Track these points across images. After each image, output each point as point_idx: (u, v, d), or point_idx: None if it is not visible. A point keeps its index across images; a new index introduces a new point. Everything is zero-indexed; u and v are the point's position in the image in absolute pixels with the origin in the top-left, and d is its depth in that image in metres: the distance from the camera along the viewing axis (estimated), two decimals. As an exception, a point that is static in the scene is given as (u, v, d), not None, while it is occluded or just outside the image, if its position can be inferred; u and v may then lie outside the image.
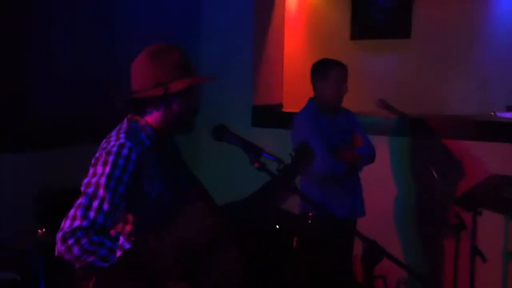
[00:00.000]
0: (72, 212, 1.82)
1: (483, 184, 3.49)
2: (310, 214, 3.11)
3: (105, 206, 1.82)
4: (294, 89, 5.25)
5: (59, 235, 1.78)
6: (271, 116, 4.77)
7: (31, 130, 3.52)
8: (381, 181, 4.12)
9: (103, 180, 1.84)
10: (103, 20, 4.05)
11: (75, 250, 1.76)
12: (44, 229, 2.84)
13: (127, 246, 1.95)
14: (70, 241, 1.77)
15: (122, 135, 1.93)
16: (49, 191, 3.25)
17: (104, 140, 1.97)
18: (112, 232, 1.94)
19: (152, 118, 2.02)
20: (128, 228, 1.97)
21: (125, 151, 1.88)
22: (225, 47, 4.85)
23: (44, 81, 3.64)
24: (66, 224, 1.80)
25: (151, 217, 1.95)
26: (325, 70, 3.45)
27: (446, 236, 3.99)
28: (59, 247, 1.78)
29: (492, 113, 4.56)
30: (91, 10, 3.99)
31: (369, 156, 3.49)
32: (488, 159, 3.84)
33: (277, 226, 3.81)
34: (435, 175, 3.50)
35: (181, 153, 2.21)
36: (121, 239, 1.97)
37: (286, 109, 5.05)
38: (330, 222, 3.02)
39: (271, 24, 4.98)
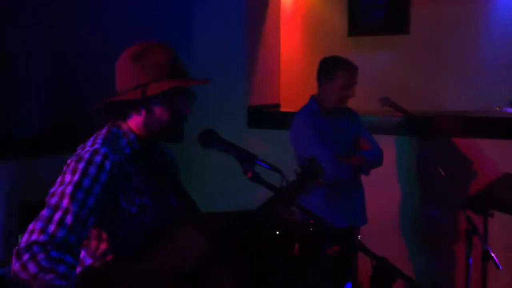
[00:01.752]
0: (31, 225, 1.62)
1: (494, 185, 3.33)
2: (312, 221, 2.92)
3: (68, 219, 1.61)
4: (291, 88, 5.14)
5: (14, 250, 1.59)
6: (268, 116, 4.64)
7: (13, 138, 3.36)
8: (385, 184, 3.98)
9: (69, 189, 1.64)
10: (93, 20, 3.93)
11: (31, 266, 1.55)
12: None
13: (89, 261, 1.75)
14: (25, 257, 1.56)
15: (99, 141, 1.75)
16: (30, 201, 3.06)
17: (80, 145, 1.78)
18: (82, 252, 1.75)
19: (134, 123, 1.84)
20: (103, 246, 1.75)
21: (98, 158, 1.69)
22: (219, 46, 4.73)
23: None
24: (23, 239, 1.60)
25: (130, 236, 1.74)
26: (331, 71, 3.24)
27: (456, 242, 3.83)
28: (13, 264, 1.58)
29: (498, 108, 4.41)
30: (80, 11, 3.85)
31: (377, 160, 3.33)
32: (499, 157, 3.69)
33: (278, 232, 3.67)
34: (443, 175, 3.32)
35: (173, 164, 2.02)
36: (82, 253, 1.76)
37: (284, 108, 4.92)
38: (331, 234, 2.82)
39: (266, 21, 4.89)
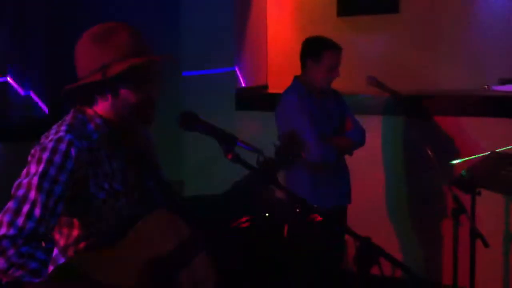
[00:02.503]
0: None
1: (481, 163, 3.32)
2: (298, 210, 2.91)
3: (37, 211, 1.57)
4: (279, 69, 5.09)
5: None
6: (255, 98, 4.60)
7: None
8: (371, 165, 3.98)
9: (35, 180, 1.59)
10: (77, 13, 3.86)
11: (0, 262, 1.51)
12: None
13: (61, 260, 1.70)
14: None
15: (63, 128, 1.68)
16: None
17: (43, 135, 1.71)
18: (56, 236, 1.72)
19: (101, 107, 1.76)
20: (75, 233, 1.71)
21: (62, 146, 1.63)
22: (206, 29, 4.68)
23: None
24: None
25: (102, 222, 1.71)
26: (318, 52, 3.21)
27: (443, 221, 3.83)
28: None
29: (486, 86, 4.39)
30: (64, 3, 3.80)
31: (360, 141, 3.33)
32: (487, 135, 3.68)
33: (267, 214, 3.66)
34: (431, 154, 3.30)
35: (150, 145, 1.95)
36: (55, 251, 1.72)
37: (272, 90, 4.88)
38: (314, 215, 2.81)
39: (253, 3, 4.83)
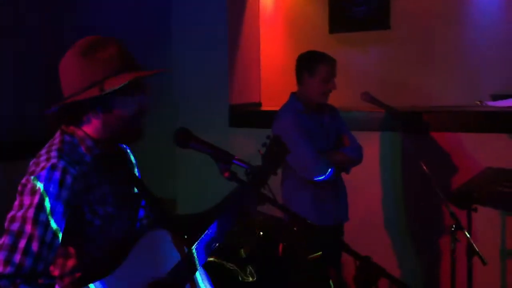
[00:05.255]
0: None
1: (477, 179, 3.31)
2: (295, 228, 2.88)
3: (34, 245, 1.46)
4: (273, 86, 5.10)
5: None
6: (249, 115, 4.57)
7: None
8: (369, 181, 3.94)
9: (30, 213, 1.47)
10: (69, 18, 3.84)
11: None
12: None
13: None
14: None
15: (53, 154, 1.57)
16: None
17: (32, 161, 1.60)
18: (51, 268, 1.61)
19: (91, 127, 1.66)
20: (71, 263, 1.62)
21: (56, 175, 1.52)
22: (199, 46, 4.67)
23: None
24: None
25: (97, 250, 1.63)
26: (312, 65, 3.20)
27: (441, 237, 3.79)
28: None
29: (478, 102, 4.39)
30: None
31: (358, 158, 3.30)
32: (481, 151, 3.66)
33: (261, 233, 3.61)
34: (426, 170, 3.28)
35: (131, 161, 1.88)
36: (57, 287, 1.61)
37: (265, 107, 4.86)
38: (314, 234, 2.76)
39: (246, 20, 4.83)
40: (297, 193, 3.24)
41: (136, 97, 1.66)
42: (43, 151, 1.61)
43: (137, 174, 1.87)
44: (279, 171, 2.36)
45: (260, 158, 1.91)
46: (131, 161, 1.87)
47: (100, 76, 1.60)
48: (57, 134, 1.67)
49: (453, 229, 3.01)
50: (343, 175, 3.35)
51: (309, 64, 3.22)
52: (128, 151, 1.89)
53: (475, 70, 5.18)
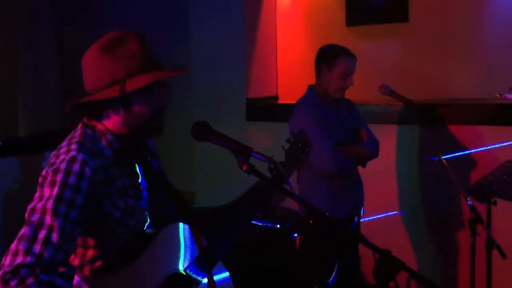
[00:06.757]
0: (13, 245, 1.47)
1: (496, 172, 3.27)
2: (311, 221, 2.87)
3: (54, 236, 1.48)
4: (289, 80, 5.08)
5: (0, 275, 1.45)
6: (266, 109, 4.58)
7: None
8: (385, 175, 3.92)
9: (50, 204, 1.50)
10: (89, 18, 3.88)
11: None
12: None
13: (85, 287, 1.63)
14: (13, 283, 1.42)
15: (73, 146, 1.59)
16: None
17: (53, 153, 1.63)
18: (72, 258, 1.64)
19: (111, 122, 1.68)
20: (90, 253, 1.65)
21: (76, 167, 1.55)
22: (216, 40, 4.69)
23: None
24: (6, 261, 1.45)
25: (117, 240, 1.65)
26: (331, 60, 3.19)
27: (460, 231, 3.77)
28: None
29: (498, 95, 4.34)
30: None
31: (374, 151, 3.29)
32: (501, 144, 3.60)
33: (278, 226, 3.62)
34: (445, 163, 3.26)
35: (155, 155, 1.90)
36: (77, 278, 1.64)
37: (282, 100, 4.85)
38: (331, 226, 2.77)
39: (263, 14, 4.84)
40: (313, 185, 3.24)
41: (157, 96, 1.67)
42: (64, 144, 1.64)
43: (161, 167, 1.89)
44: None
45: (278, 152, 1.92)
46: (153, 154, 1.89)
47: (121, 74, 1.61)
48: (79, 126, 1.70)
49: (472, 222, 3.00)
50: (359, 168, 3.35)
51: (329, 58, 3.21)
52: (151, 144, 1.91)
53: (494, 63, 5.11)
